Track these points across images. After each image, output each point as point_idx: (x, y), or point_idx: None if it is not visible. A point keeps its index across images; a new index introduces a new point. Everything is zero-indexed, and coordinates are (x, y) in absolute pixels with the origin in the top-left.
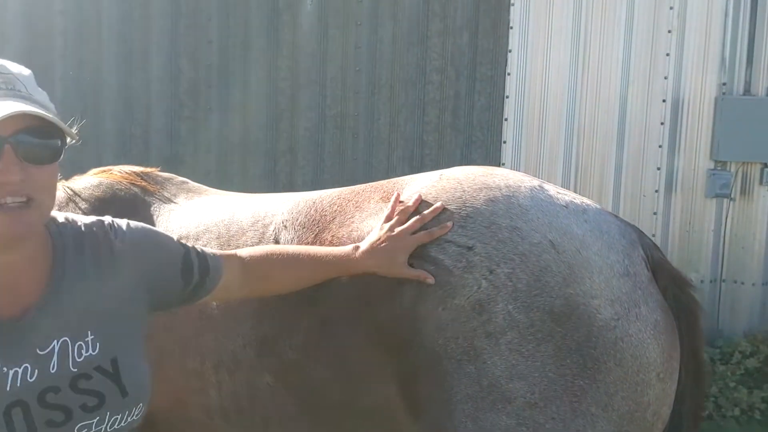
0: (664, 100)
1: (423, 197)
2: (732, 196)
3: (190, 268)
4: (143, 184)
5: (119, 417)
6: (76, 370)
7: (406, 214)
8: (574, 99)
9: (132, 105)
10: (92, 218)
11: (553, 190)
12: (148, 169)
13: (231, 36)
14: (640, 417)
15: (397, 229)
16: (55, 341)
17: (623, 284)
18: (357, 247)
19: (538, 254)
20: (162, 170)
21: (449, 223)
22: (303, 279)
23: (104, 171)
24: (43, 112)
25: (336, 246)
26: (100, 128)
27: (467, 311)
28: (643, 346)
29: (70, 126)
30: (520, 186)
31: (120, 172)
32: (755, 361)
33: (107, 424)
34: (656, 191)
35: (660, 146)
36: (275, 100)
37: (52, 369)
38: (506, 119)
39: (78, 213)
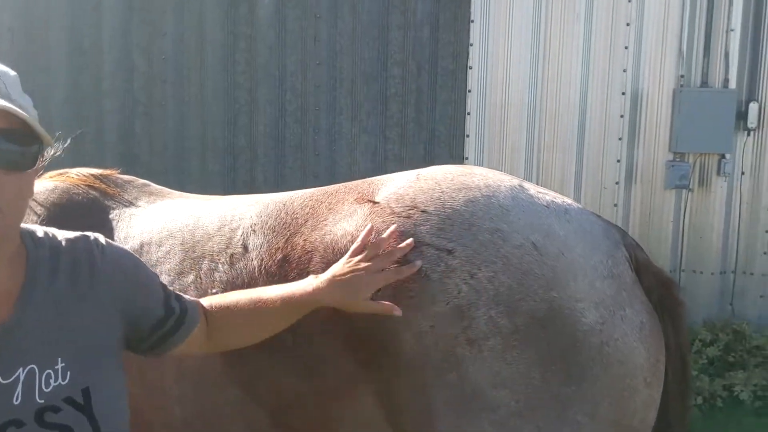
0: (623, 93)
1: (399, 198)
2: (690, 187)
3: (170, 304)
4: (102, 187)
5: None
6: (42, 401)
7: (377, 248)
8: (535, 92)
9: (83, 102)
10: (75, 234)
11: (533, 189)
12: (108, 171)
13: (186, 29)
14: (627, 424)
15: (363, 265)
16: (21, 369)
17: (607, 286)
18: (314, 280)
19: (520, 257)
20: (122, 172)
21: (418, 262)
22: (267, 327)
23: (60, 174)
24: (23, 113)
25: (308, 251)
26: (51, 127)
27: (447, 317)
28: (629, 350)
29: (54, 138)
30: (500, 186)
31: (77, 175)
32: (715, 350)
33: None
34: (617, 183)
35: (620, 139)
36: (233, 94)
37: (16, 400)
38: (469, 113)
39: (33, 219)
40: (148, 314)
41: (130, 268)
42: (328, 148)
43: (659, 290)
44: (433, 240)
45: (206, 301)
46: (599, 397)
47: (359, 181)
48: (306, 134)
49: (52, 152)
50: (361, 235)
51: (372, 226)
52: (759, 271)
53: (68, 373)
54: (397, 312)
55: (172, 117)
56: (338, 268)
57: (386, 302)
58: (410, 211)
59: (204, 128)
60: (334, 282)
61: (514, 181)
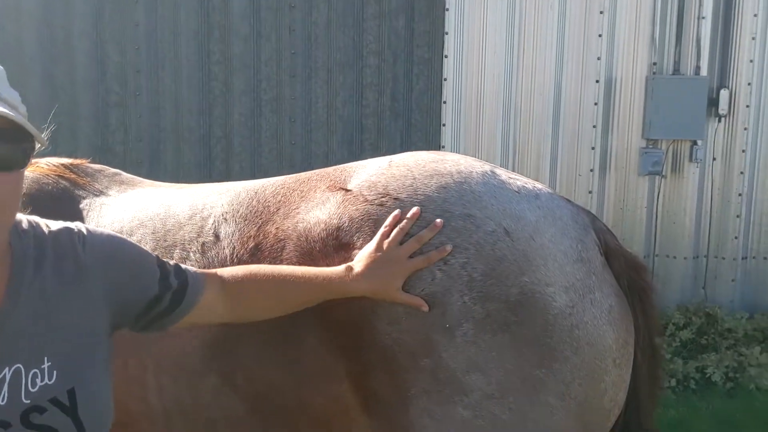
0: (597, 81)
1: (372, 185)
2: (663, 173)
3: (167, 282)
4: (72, 176)
5: None
6: (29, 401)
7: (403, 232)
8: (511, 81)
9: (56, 93)
10: (58, 226)
11: (504, 174)
12: (78, 161)
13: (159, 19)
14: (597, 404)
15: (394, 253)
16: (7, 368)
17: (577, 270)
18: (350, 269)
19: (493, 243)
20: (92, 161)
21: (448, 247)
22: (289, 303)
23: (30, 164)
24: (12, 114)
25: (281, 239)
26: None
27: None
28: (598, 332)
29: (41, 131)
30: (472, 172)
31: (47, 165)
32: (689, 333)
33: None
34: (591, 170)
35: (594, 126)
36: (208, 85)
37: (2, 401)
38: (445, 102)
39: None
40: (139, 296)
41: (114, 254)
42: (304, 137)
43: (629, 274)
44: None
45: (227, 272)
46: (570, 379)
47: (331, 169)
48: (282, 124)
49: (39, 147)
50: (389, 219)
51: (399, 212)
52: (730, 255)
53: (54, 372)
54: (425, 308)
55: (146, 107)
56: (367, 256)
57: (418, 297)
58: (383, 199)
59: (179, 119)
60: (367, 271)
61: (486, 167)
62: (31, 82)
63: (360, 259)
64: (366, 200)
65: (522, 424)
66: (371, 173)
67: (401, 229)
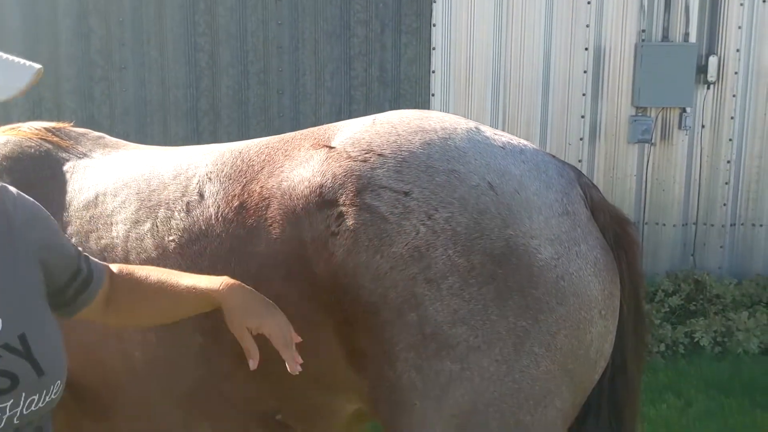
0: (586, 49)
1: (356, 142)
2: (653, 141)
3: (80, 263)
4: (55, 140)
5: (36, 398)
6: None
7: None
8: (500, 49)
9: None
10: None
11: (489, 131)
12: (61, 124)
13: None
14: (584, 354)
15: (273, 310)
16: None
17: (562, 223)
18: (228, 283)
19: (476, 197)
20: (75, 125)
21: (298, 368)
22: (166, 310)
23: (12, 128)
24: None
25: (265, 198)
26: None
27: (405, 258)
28: (584, 284)
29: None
30: (456, 128)
31: (30, 129)
32: (677, 299)
33: (23, 407)
34: (581, 139)
35: (583, 94)
36: (194, 57)
37: None
38: (433, 71)
39: None
40: (64, 266)
41: (41, 217)
42: (292, 109)
43: (614, 228)
44: (390, 183)
45: (116, 267)
46: (555, 330)
47: (315, 128)
48: (270, 96)
49: None
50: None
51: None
52: (719, 222)
53: (0, 320)
54: (252, 365)
55: (132, 81)
56: (253, 292)
57: (254, 347)
58: (366, 155)
59: (165, 92)
60: (240, 295)
61: (470, 124)
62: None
63: (247, 287)
64: (350, 157)
65: (509, 375)
66: (355, 130)
67: (289, 337)
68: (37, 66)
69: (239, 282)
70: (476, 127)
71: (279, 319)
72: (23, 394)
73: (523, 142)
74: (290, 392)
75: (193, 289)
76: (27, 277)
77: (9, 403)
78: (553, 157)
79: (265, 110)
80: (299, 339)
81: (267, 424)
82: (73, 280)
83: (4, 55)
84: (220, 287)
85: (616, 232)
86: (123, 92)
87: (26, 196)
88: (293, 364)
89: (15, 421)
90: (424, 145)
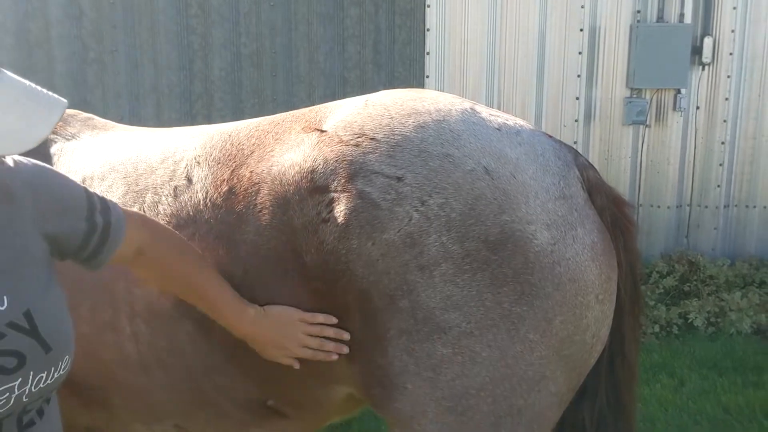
0: (581, 30)
1: (347, 126)
2: (647, 123)
3: (93, 219)
4: None
5: (44, 375)
6: None
7: (320, 333)
8: (495, 30)
9: (32, 50)
10: None
11: (485, 112)
12: None
13: None
14: (580, 340)
15: (294, 331)
16: None
17: (559, 207)
18: (256, 321)
19: (471, 182)
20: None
21: (338, 353)
22: (189, 294)
23: None
24: None
25: (255, 183)
26: None
27: (398, 245)
28: (581, 269)
29: None
30: (451, 110)
31: None
32: (672, 280)
33: (31, 385)
34: (576, 121)
35: (578, 76)
36: (187, 39)
37: None
38: (428, 53)
39: None
40: (70, 232)
41: (40, 183)
42: (286, 92)
43: (611, 209)
44: (383, 168)
45: (160, 228)
46: (551, 315)
47: (306, 110)
48: (263, 78)
49: None
50: (320, 317)
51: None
52: (713, 204)
53: (5, 297)
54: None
55: (124, 64)
56: (279, 314)
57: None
58: (359, 139)
59: (158, 74)
60: (261, 337)
61: (466, 105)
62: (6, 39)
63: (270, 311)
64: (341, 141)
65: (502, 360)
66: (347, 113)
67: (321, 329)
68: (63, 102)
69: (262, 314)
70: (471, 108)
71: (302, 341)
72: (31, 373)
73: (520, 122)
74: (282, 381)
75: (222, 310)
76: (30, 251)
77: (17, 382)
78: (550, 137)
79: (259, 93)
80: (334, 320)
81: (259, 409)
82: (87, 241)
83: (25, 99)
84: (244, 329)
85: (614, 214)
86: (115, 75)
87: (26, 162)
88: (333, 356)
89: (24, 399)
90: (418, 128)
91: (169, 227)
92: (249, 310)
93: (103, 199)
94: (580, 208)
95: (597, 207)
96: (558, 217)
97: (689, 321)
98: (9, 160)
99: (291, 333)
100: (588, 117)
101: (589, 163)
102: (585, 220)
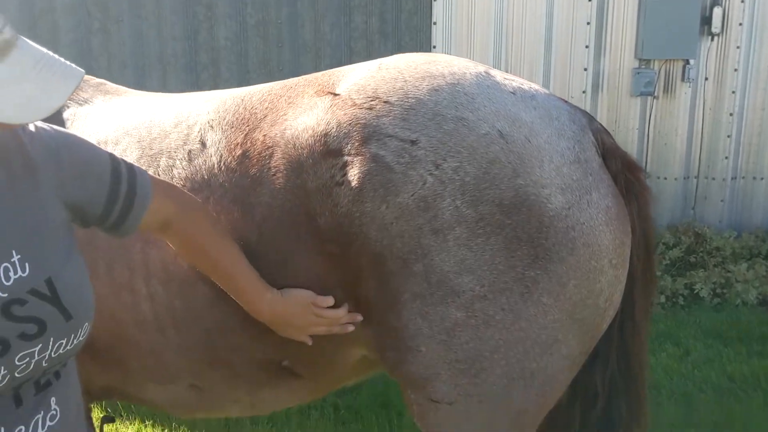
0: (589, 0)
1: (361, 89)
2: (655, 94)
3: (117, 185)
4: None
5: (64, 341)
6: (6, 295)
7: (332, 319)
8: (502, 1)
9: (36, 20)
10: None
11: (499, 76)
12: None
13: None
14: (593, 304)
15: (307, 314)
16: None
17: (574, 171)
18: (272, 302)
19: (486, 145)
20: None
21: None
22: (214, 272)
23: None
24: None
25: (269, 146)
26: None
27: (412, 209)
28: (595, 233)
29: None
30: (466, 73)
31: None
32: (678, 251)
33: (51, 350)
34: (583, 92)
35: (586, 47)
36: (192, 9)
37: None
38: (435, 23)
39: None
40: (92, 200)
41: (61, 150)
42: (292, 62)
43: (625, 174)
44: (397, 131)
45: (192, 200)
46: (565, 279)
47: (319, 74)
48: (269, 49)
49: None
50: (341, 311)
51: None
52: (720, 176)
53: (27, 264)
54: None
55: (129, 34)
56: (295, 297)
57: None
58: (372, 102)
59: (163, 45)
60: (281, 320)
61: (480, 68)
62: (10, 9)
63: (286, 295)
64: (354, 104)
65: (516, 324)
66: (360, 76)
67: (336, 316)
68: (80, 71)
69: (279, 298)
70: (486, 72)
71: (315, 322)
72: (51, 339)
73: (535, 86)
74: (297, 343)
75: (244, 289)
76: (52, 219)
77: (38, 348)
78: (565, 102)
79: (265, 63)
80: (330, 301)
81: (274, 370)
82: (110, 209)
83: (40, 67)
84: (261, 311)
85: (628, 179)
86: (121, 45)
87: (47, 129)
88: (346, 329)
89: (44, 364)
90: (432, 91)
91: (195, 198)
92: (267, 294)
93: (130, 168)
94: (595, 172)
95: (611, 172)
96: (573, 181)
97: (695, 292)
98: (31, 127)
99: (305, 315)
100: (596, 88)
101: (603, 128)
102: (600, 184)
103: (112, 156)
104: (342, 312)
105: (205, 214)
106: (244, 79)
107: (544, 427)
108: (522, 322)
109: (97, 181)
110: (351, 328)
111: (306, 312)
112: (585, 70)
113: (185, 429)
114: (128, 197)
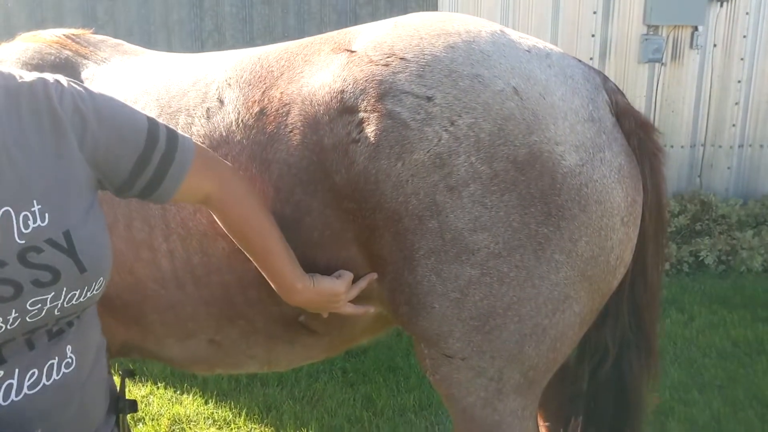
0: None
1: (377, 46)
2: (663, 60)
3: (150, 151)
4: (75, 47)
5: (77, 293)
6: (23, 242)
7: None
8: None
9: None
10: (33, 77)
11: (515, 34)
12: (80, 31)
13: None
14: (604, 261)
15: (338, 297)
16: None
17: (588, 129)
18: (305, 290)
19: (501, 102)
20: (95, 32)
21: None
22: (252, 251)
23: (33, 35)
24: None
25: (286, 104)
26: (8, 14)
27: (427, 166)
28: (607, 191)
29: None
30: (481, 31)
31: (50, 36)
32: (684, 219)
33: (64, 300)
34: (591, 58)
35: (594, 12)
36: None
37: None
38: None
39: None
40: (119, 161)
41: (91, 112)
42: (297, 29)
43: (638, 134)
44: (413, 87)
45: (240, 179)
46: (577, 236)
47: (334, 32)
48: (274, 15)
49: None
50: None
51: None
52: (727, 143)
53: (46, 215)
54: (364, 311)
55: (135, 0)
56: (329, 286)
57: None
58: (388, 59)
59: (168, 11)
60: (310, 305)
61: (495, 27)
62: None
63: (318, 284)
64: (371, 61)
65: (528, 281)
66: (376, 34)
67: (359, 312)
68: None
69: (311, 285)
70: (501, 30)
71: (341, 309)
72: (64, 289)
73: (549, 45)
74: None
75: (276, 275)
76: (75, 175)
77: (50, 296)
78: (580, 61)
79: (270, 30)
80: (358, 291)
81: (290, 325)
82: (137, 174)
83: None
84: (292, 294)
85: (641, 139)
86: (126, 12)
87: (78, 87)
88: (364, 310)
89: (56, 313)
90: (448, 48)
91: (240, 174)
92: (299, 283)
93: (172, 134)
94: (609, 131)
95: (625, 131)
96: (586, 139)
97: (700, 259)
98: (63, 83)
99: (332, 303)
100: (603, 54)
101: (617, 88)
102: (613, 143)
103: (151, 120)
104: (366, 308)
105: (249, 193)
106: (248, 45)
107: (553, 382)
108: (535, 279)
109: (128, 143)
110: (372, 310)
111: (334, 300)
112: (593, 36)
113: (197, 390)
114: (163, 162)
